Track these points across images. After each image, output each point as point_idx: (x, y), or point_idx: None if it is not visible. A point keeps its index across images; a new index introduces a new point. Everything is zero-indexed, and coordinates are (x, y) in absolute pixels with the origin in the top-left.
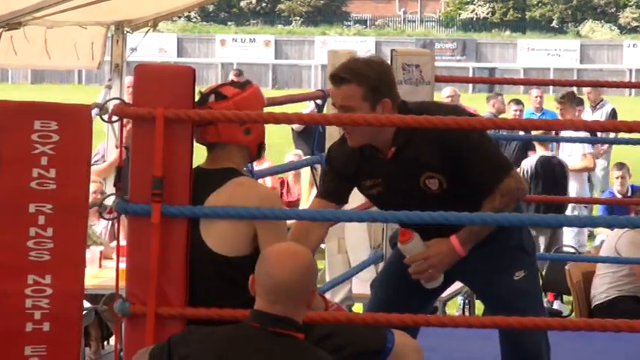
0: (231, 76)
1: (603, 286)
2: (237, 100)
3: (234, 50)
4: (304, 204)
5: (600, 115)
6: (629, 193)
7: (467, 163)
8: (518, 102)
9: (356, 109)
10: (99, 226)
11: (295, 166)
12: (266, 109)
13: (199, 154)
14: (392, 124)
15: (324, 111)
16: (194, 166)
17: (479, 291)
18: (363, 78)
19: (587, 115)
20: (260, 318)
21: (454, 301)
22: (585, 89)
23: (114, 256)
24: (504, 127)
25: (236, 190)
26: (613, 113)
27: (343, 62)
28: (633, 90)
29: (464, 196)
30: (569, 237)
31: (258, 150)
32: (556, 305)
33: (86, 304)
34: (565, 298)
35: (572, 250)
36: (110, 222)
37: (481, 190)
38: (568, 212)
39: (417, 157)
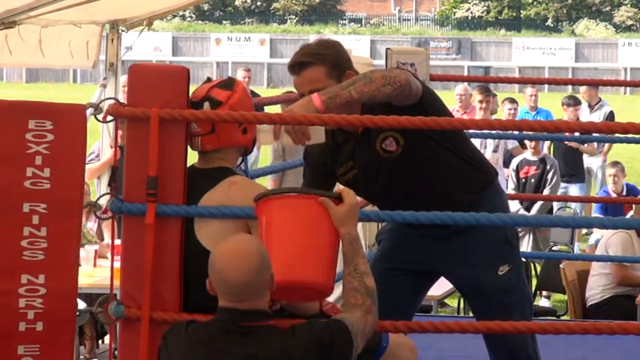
0: (242, 72)
1: (599, 287)
2: (233, 103)
3: (229, 49)
4: None
5: (598, 117)
6: (624, 192)
7: None
8: (512, 101)
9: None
10: (88, 225)
11: (289, 166)
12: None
13: (193, 154)
14: (387, 125)
15: None
16: (187, 165)
17: (463, 287)
18: (322, 57)
19: (585, 114)
20: (227, 314)
21: (454, 295)
22: (581, 89)
23: (109, 255)
24: (499, 128)
25: (230, 189)
26: (611, 116)
27: (296, 52)
28: (628, 89)
29: (425, 157)
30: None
31: (252, 145)
32: (544, 304)
33: (81, 303)
34: (559, 296)
35: (567, 249)
36: (97, 222)
37: (442, 151)
38: None
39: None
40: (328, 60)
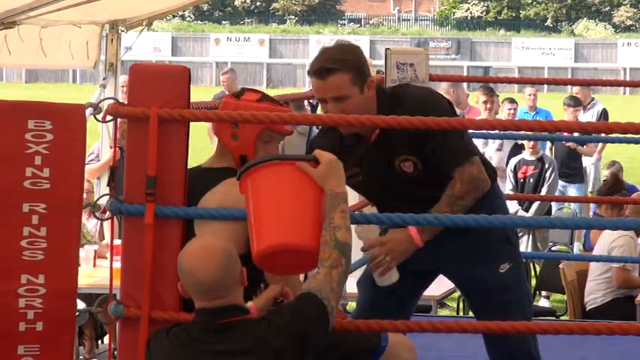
0: (221, 76)
1: (599, 292)
2: (243, 104)
3: (228, 49)
4: None
5: (591, 116)
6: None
7: (434, 143)
8: (512, 101)
9: (348, 97)
10: (89, 225)
11: None
12: None
13: (193, 154)
14: (387, 125)
15: (318, 110)
16: (195, 165)
17: (464, 285)
18: (347, 63)
19: (579, 114)
20: (204, 315)
21: (453, 295)
22: (575, 89)
23: (108, 255)
24: (498, 128)
25: (230, 190)
26: (604, 113)
27: (319, 54)
28: (627, 89)
29: (439, 180)
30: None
31: (240, 161)
32: (544, 304)
33: (80, 303)
34: (559, 296)
35: (566, 249)
36: (99, 222)
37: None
38: None
39: (395, 138)
40: (353, 67)
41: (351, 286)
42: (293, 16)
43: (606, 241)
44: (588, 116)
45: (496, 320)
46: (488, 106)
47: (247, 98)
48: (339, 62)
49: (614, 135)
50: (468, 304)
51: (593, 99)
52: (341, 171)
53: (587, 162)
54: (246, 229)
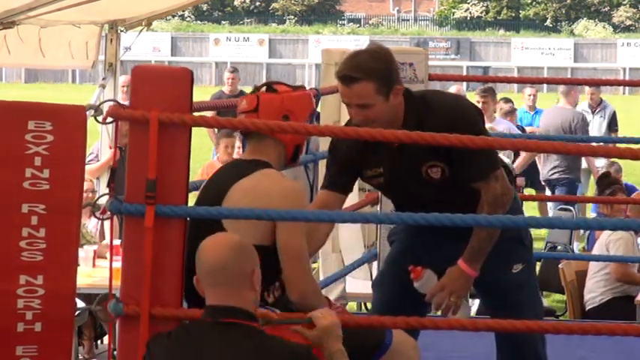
0: (227, 74)
1: (598, 290)
2: (286, 96)
3: (228, 49)
4: None
5: (601, 118)
6: None
7: (464, 153)
8: (507, 100)
9: (372, 105)
10: (90, 225)
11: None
12: None
13: (195, 154)
14: (385, 139)
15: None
16: (194, 165)
17: (477, 285)
18: (373, 72)
19: (587, 117)
20: (210, 312)
21: None
22: (587, 89)
23: (108, 255)
24: (496, 147)
25: (261, 180)
26: (614, 116)
27: (348, 59)
28: (627, 89)
29: (462, 185)
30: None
31: (294, 151)
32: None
33: (80, 303)
34: (558, 296)
35: (566, 249)
36: (99, 222)
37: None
38: None
39: (422, 144)
40: (379, 75)
41: (351, 286)
42: (292, 16)
43: (604, 236)
44: (598, 118)
45: (509, 319)
46: (481, 106)
47: (284, 90)
48: (364, 71)
49: (612, 135)
50: (481, 303)
51: (602, 101)
52: (338, 331)
53: (599, 163)
54: (272, 225)
